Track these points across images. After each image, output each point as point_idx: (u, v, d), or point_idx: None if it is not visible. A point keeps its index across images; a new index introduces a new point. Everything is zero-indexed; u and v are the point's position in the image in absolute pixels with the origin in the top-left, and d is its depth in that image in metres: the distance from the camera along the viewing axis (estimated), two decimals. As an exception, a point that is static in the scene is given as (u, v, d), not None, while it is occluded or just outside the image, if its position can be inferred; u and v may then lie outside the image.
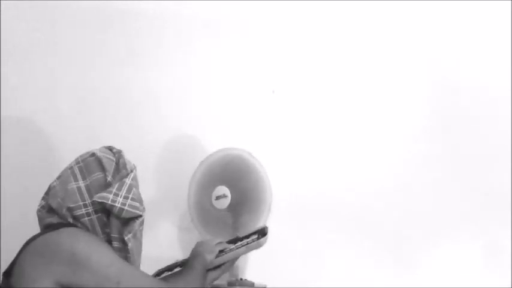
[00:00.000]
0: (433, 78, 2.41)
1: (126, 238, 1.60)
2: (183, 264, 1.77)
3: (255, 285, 2.03)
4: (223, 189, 1.94)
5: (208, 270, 1.75)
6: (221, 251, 1.78)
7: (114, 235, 1.61)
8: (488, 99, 2.43)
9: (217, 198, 1.94)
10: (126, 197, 1.62)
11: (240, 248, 1.79)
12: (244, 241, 1.80)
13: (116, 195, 1.60)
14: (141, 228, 1.68)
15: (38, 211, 1.67)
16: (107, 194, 1.59)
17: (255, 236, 1.81)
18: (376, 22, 2.40)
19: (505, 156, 2.42)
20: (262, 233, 1.81)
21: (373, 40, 2.40)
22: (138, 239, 1.67)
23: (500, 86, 2.44)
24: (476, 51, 2.43)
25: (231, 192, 1.93)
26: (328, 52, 2.38)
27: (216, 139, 2.19)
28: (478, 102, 2.42)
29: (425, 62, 2.41)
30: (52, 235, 1.55)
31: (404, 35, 2.41)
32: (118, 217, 1.60)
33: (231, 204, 1.93)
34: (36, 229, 1.64)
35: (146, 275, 1.60)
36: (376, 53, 2.40)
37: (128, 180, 1.64)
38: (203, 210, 1.99)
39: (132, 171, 1.68)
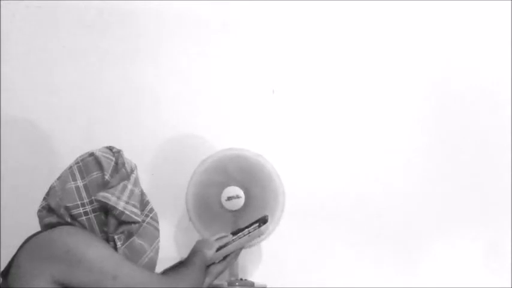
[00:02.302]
0: (433, 78, 2.41)
1: (116, 237, 1.60)
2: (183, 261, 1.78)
3: (255, 285, 2.03)
4: (235, 190, 1.93)
5: (212, 264, 1.76)
6: (222, 246, 1.78)
7: (111, 234, 1.61)
8: (488, 99, 2.43)
9: (229, 199, 1.93)
10: (127, 202, 1.62)
11: (242, 237, 1.79)
12: (246, 230, 1.81)
13: (118, 198, 1.60)
14: (155, 222, 1.69)
15: (39, 211, 1.67)
16: (109, 195, 1.59)
17: (256, 225, 1.81)
18: (376, 22, 2.40)
19: (505, 156, 2.42)
20: (263, 220, 1.81)
21: (373, 40, 2.40)
22: (147, 235, 1.67)
23: (500, 86, 2.44)
24: (476, 52, 2.43)
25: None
26: (328, 52, 2.38)
27: (216, 139, 2.20)
28: (478, 102, 2.42)
29: (425, 62, 2.41)
30: (47, 234, 1.55)
31: (404, 35, 2.41)
32: (117, 218, 1.61)
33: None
34: (36, 229, 1.64)
35: (143, 270, 1.60)
36: (376, 54, 2.40)
37: (129, 185, 1.64)
38: (203, 209, 1.98)
39: (133, 171, 1.68)
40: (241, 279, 2.06)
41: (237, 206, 1.93)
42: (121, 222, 1.61)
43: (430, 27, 2.42)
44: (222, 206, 1.95)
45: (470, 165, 2.40)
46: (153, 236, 1.69)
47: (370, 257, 2.32)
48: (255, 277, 2.17)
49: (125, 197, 1.61)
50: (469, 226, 2.38)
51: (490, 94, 2.44)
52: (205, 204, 1.98)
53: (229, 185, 1.94)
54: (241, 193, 1.92)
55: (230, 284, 2.00)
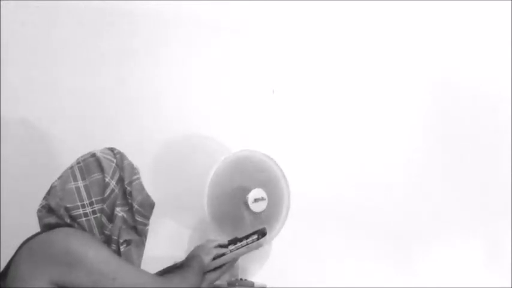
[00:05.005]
0: (433, 79, 2.41)
1: (121, 240, 1.61)
2: (182, 265, 1.78)
3: (255, 285, 2.03)
4: (261, 192, 1.95)
5: (208, 271, 1.76)
6: (219, 255, 1.78)
7: (115, 237, 1.61)
8: (488, 99, 2.43)
9: (256, 200, 1.95)
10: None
11: (240, 248, 1.79)
12: (244, 242, 1.81)
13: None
14: (146, 228, 1.69)
15: (38, 211, 1.67)
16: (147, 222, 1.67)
17: (255, 237, 1.81)
18: (376, 22, 2.40)
19: (505, 155, 2.42)
20: (261, 233, 1.81)
21: (373, 40, 2.40)
22: (140, 249, 1.68)
23: (500, 86, 2.44)
24: (476, 51, 2.43)
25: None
26: (328, 52, 2.38)
27: (216, 139, 2.20)
28: (478, 102, 2.42)
29: (425, 62, 2.41)
30: (46, 235, 1.56)
31: (404, 35, 2.41)
32: (139, 234, 1.65)
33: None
34: (36, 229, 1.64)
35: (142, 272, 1.61)
36: (376, 53, 2.40)
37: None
38: (222, 210, 1.98)
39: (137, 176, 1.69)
40: (241, 279, 2.07)
41: (261, 208, 1.96)
42: (131, 229, 1.63)
43: (430, 28, 2.42)
44: (246, 208, 1.96)
45: (470, 166, 2.40)
46: (142, 250, 1.70)
47: (370, 257, 2.32)
48: (255, 277, 2.17)
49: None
50: (469, 226, 2.38)
51: (490, 94, 2.44)
52: (224, 205, 1.98)
53: (249, 187, 1.96)
54: (265, 195, 1.95)
55: (230, 284, 2.01)
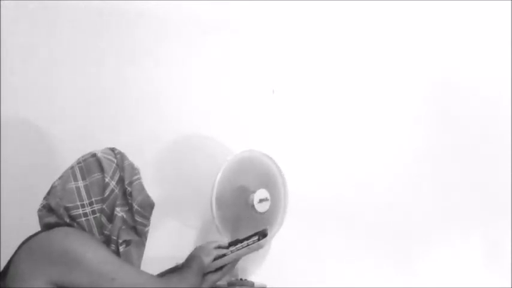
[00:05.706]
0: (433, 78, 2.41)
1: (120, 240, 1.61)
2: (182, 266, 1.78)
3: (255, 285, 2.03)
4: (265, 193, 1.97)
5: (209, 272, 1.76)
6: (220, 256, 1.78)
7: (114, 237, 1.61)
8: (488, 99, 2.43)
9: (261, 201, 1.96)
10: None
11: (240, 249, 1.79)
12: (245, 242, 1.81)
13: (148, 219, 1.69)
14: (146, 229, 1.69)
15: (39, 211, 1.67)
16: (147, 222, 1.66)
17: (256, 238, 1.81)
18: (376, 22, 2.40)
19: (505, 155, 2.42)
20: (262, 234, 1.81)
21: (373, 40, 2.40)
22: (140, 249, 1.68)
23: (500, 86, 2.44)
24: (476, 51, 2.43)
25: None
26: (328, 52, 2.38)
27: (216, 139, 2.20)
28: (478, 102, 2.42)
29: (425, 62, 2.41)
30: (46, 235, 1.56)
31: (404, 35, 2.41)
32: (139, 235, 1.65)
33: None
34: (36, 229, 1.64)
35: (141, 272, 1.61)
36: (376, 53, 2.40)
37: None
38: (228, 211, 1.99)
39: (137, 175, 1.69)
40: (241, 279, 2.07)
41: (265, 208, 1.98)
42: (129, 228, 1.63)
43: (430, 27, 2.42)
44: (251, 208, 1.97)
45: (470, 165, 2.40)
46: (142, 251, 1.70)
47: (370, 258, 2.32)
48: (255, 277, 2.17)
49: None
50: (469, 226, 2.38)
51: (490, 94, 2.44)
52: (230, 207, 1.99)
53: (252, 188, 1.97)
54: (268, 195, 1.97)
55: (230, 284, 2.01)
